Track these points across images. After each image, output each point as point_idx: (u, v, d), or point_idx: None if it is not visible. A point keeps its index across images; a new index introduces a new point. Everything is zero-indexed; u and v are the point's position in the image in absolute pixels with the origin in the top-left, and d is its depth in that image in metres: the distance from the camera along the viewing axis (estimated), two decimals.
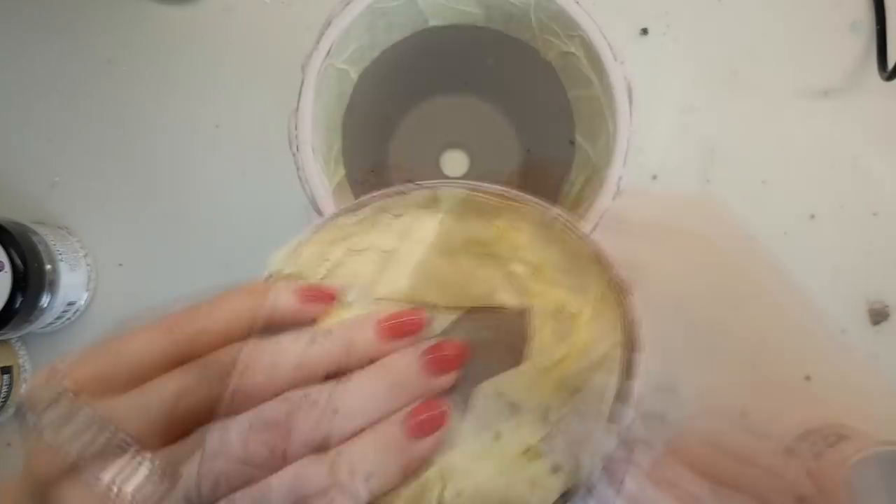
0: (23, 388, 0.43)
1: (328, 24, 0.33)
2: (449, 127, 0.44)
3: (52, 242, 0.41)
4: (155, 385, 0.21)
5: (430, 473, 0.22)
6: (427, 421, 0.22)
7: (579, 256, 0.25)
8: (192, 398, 0.21)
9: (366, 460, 0.21)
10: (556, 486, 0.22)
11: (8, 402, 0.42)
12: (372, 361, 0.23)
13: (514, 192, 0.26)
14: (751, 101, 0.45)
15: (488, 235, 0.26)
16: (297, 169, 0.33)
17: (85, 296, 0.44)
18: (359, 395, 0.22)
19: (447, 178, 0.44)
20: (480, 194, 0.25)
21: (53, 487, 0.20)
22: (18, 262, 0.38)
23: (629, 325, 0.23)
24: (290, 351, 0.22)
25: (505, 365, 0.24)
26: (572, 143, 0.38)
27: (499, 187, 0.26)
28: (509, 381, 0.24)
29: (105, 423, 0.20)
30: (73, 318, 0.44)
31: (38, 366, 0.44)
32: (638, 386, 0.22)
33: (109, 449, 0.20)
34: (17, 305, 0.38)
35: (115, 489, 0.20)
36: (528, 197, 0.25)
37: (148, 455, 0.20)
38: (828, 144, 0.45)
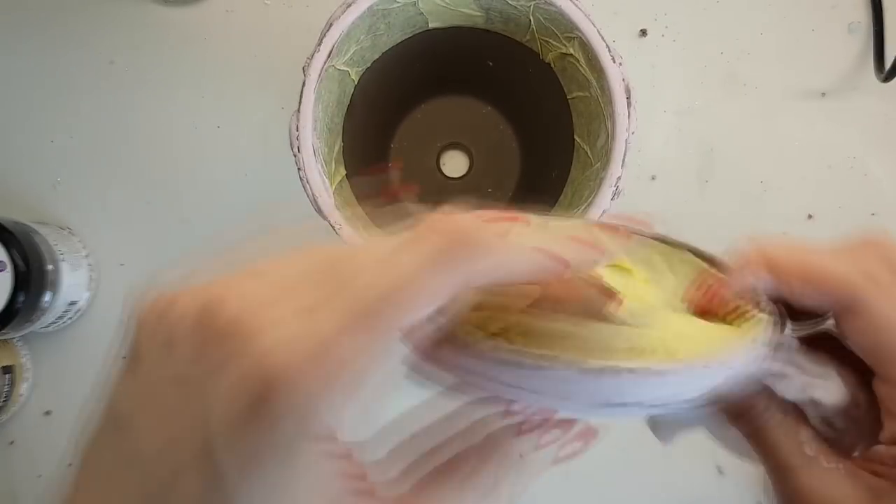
0: (24, 388, 0.43)
1: (329, 25, 0.33)
2: (449, 128, 0.44)
3: (54, 242, 0.41)
4: None
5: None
6: None
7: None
8: None
9: None
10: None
11: (9, 402, 0.42)
12: None
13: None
14: (749, 101, 0.46)
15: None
16: (299, 169, 0.33)
17: (86, 295, 0.44)
18: None
19: (447, 178, 0.45)
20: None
21: None
22: (20, 262, 0.38)
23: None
24: None
25: None
26: (571, 143, 0.38)
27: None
28: None
29: None
30: (74, 318, 0.44)
31: (39, 365, 0.44)
32: None
33: None
34: (19, 305, 0.38)
35: None
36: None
37: None
38: (825, 145, 0.46)
